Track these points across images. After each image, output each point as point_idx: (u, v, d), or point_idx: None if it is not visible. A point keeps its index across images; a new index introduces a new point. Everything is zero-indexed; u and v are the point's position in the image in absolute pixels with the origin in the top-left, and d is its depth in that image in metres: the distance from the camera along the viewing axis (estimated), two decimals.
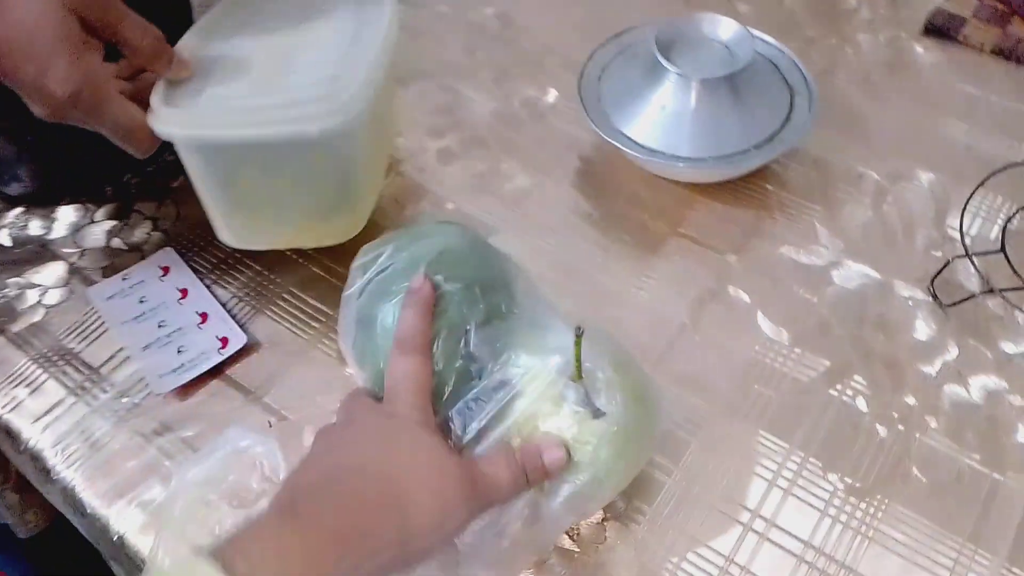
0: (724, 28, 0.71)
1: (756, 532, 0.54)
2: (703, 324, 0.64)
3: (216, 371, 0.62)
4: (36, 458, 0.60)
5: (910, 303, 0.64)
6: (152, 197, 0.74)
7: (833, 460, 0.57)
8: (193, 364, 0.62)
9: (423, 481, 0.44)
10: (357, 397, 0.51)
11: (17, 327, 0.66)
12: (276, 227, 0.65)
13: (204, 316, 0.64)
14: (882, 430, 0.58)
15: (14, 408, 0.62)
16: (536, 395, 0.49)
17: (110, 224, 0.72)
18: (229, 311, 0.66)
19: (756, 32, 0.73)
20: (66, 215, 0.73)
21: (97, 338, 0.65)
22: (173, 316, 0.64)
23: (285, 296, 0.67)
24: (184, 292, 0.66)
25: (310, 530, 0.39)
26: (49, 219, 0.73)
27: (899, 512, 0.55)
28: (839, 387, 0.60)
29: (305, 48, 0.62)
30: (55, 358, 0.64)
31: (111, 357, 0.64)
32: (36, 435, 0.60)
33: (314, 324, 0.65)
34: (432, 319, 0.49)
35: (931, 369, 0.61)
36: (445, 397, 0.50)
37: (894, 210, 0.70)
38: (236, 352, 0.62)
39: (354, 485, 0.43)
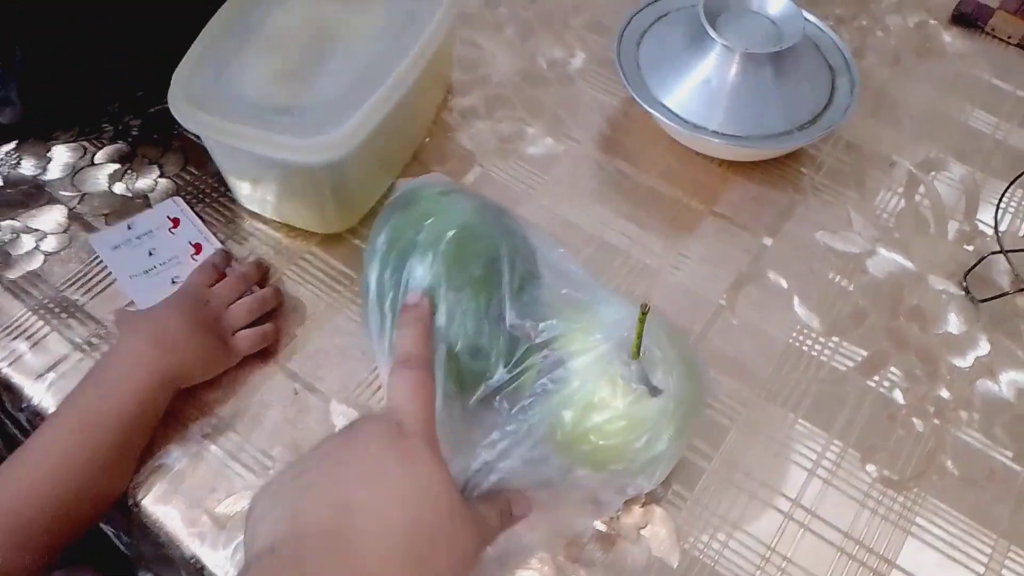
0: (773, 2, 0.69)
1: (797, 522, 0.54)
2: (740, 307, 0.63)
3: None
4: (38, 416, 0.56)
5: (943, 296, 0.64)
6: (155, 143, 0.69)
7: (871, 451, 0.57)
8: None
9: (442, 527, 0.39)
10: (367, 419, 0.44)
11: (13, 274, 0.61)
12: (280, 206, 0.64)
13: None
14: (918, 423, 0.58)
15: (13, 362, 0.57)
16: (589, 373, 0.48)
17: (112, 168, 0.67)
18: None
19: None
20: (61, 155, 0.68)
21: (102, 291, 0.61)
22: (186, 272, 0.60)
23: (306, 256, 0.64)
24: (198, 247, 0.62)
25: None
26: (44, 158, 0.67)
27: (934, 505, 0.55)
28: (876, 378, 0.60)
29: (348, 32, 0.62)
30: (57, 310, 0.60)
31: None
32: (40, 393, 0.56)
33: (337, 287, 0.62)
34: (431, 334, 0.46)
35: (964, 363, 0.61)
36: (485, 375, 0.48)
37: (927, 201, 0.70)
38: None
39: (372, 542, 0.37)
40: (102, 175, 0.67)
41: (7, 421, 0.62)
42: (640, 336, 0.47)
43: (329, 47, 0.61)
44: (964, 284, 0.64)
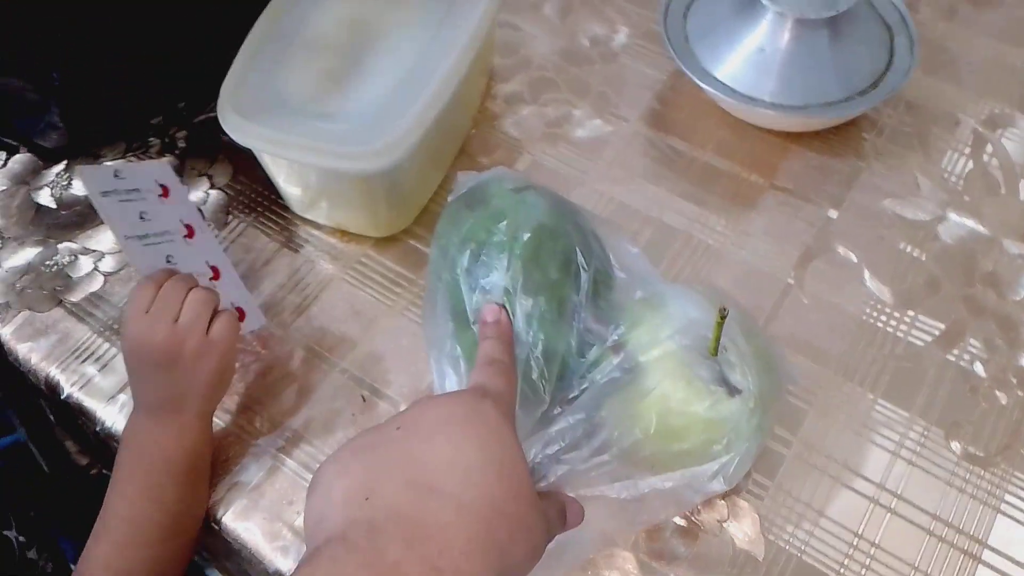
0: None
1: (883, 506, 0.53)
2: (808, 283, 0.61)
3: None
4: (111, 438, 0.57)
5: (1019, 259, 0.62)
6: (203, 154, 0.68)
7: (955, 428, 0.55)
8: None
9: (522, 518, 0.37)
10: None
11: (76, 296, 0.61)
12: (333, 212, 0.63)
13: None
14: (1001, 396, 0.56)
15: (84, 386, 0.58)
16: (664, 374, 0.47)
17: None
18: (302, 277, 0.61)
19: None
20: None
21: None
22: (180, 253, 0.57)
23: (363, 260, 0.63)
24: (191, 231, 0.58)
25: None
26: None
27: (1023, 481, 0.53)
28: (956, 351, 0.58)
29: (387, 28, 0.61)
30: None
31: None
32: (112, 416, 0.57)
33: (396, 289, 0.61)
34: (513, 345, 0.45)
35: None
36: (560, 376, 0.47)
37: (995, 160, 0.67)
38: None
39: (452, 533, 0.34)
40: None
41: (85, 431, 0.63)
42: (718, 339, 0.46)
43: (369, 45, 0.60)
44: None
